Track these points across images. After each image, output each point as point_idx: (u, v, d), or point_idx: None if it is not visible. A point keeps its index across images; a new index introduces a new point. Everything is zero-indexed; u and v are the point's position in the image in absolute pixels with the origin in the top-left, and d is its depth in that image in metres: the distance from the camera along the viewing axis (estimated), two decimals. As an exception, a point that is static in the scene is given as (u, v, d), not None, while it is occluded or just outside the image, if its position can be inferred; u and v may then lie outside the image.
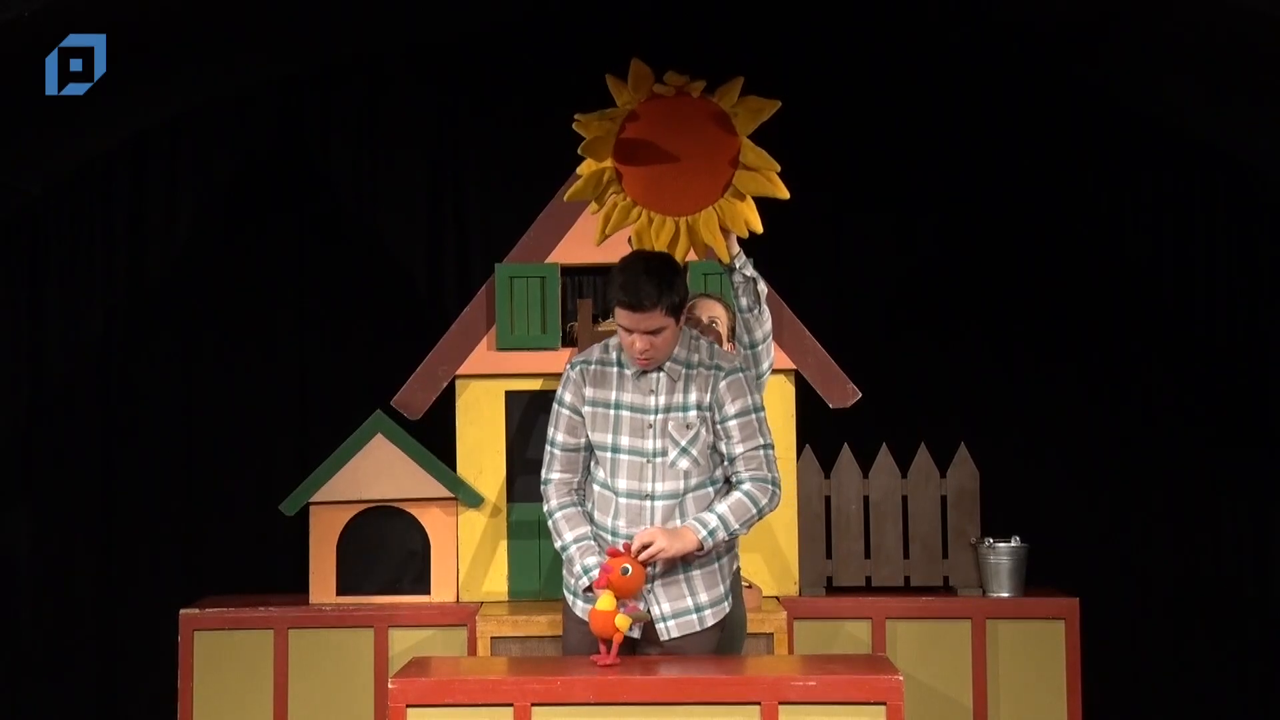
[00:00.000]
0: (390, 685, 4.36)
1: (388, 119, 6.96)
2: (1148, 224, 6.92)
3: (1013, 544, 5.99)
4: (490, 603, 5.92)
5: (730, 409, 4.77)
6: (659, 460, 4.75)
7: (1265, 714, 6.74)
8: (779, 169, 4.85)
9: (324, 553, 6.00)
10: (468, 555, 6.00)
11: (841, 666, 4.55)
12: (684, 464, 4.76)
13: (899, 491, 6.13)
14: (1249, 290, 6.86)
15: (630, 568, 4.54)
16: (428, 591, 6.00)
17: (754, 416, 4.79)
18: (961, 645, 5.90)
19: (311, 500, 5.98)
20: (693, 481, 4.77)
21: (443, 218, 6.95)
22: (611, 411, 4.78)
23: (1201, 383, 6.86)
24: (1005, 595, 5.98)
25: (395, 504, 6.00)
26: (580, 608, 4.81)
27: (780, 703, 4.28)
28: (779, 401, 5.97)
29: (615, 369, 4.80)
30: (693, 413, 4.75)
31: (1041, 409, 6.86)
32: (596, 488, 4.83)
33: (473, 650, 5.72)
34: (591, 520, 4.84)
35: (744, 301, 5.05)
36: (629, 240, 4.94)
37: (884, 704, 4.28)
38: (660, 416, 4.75)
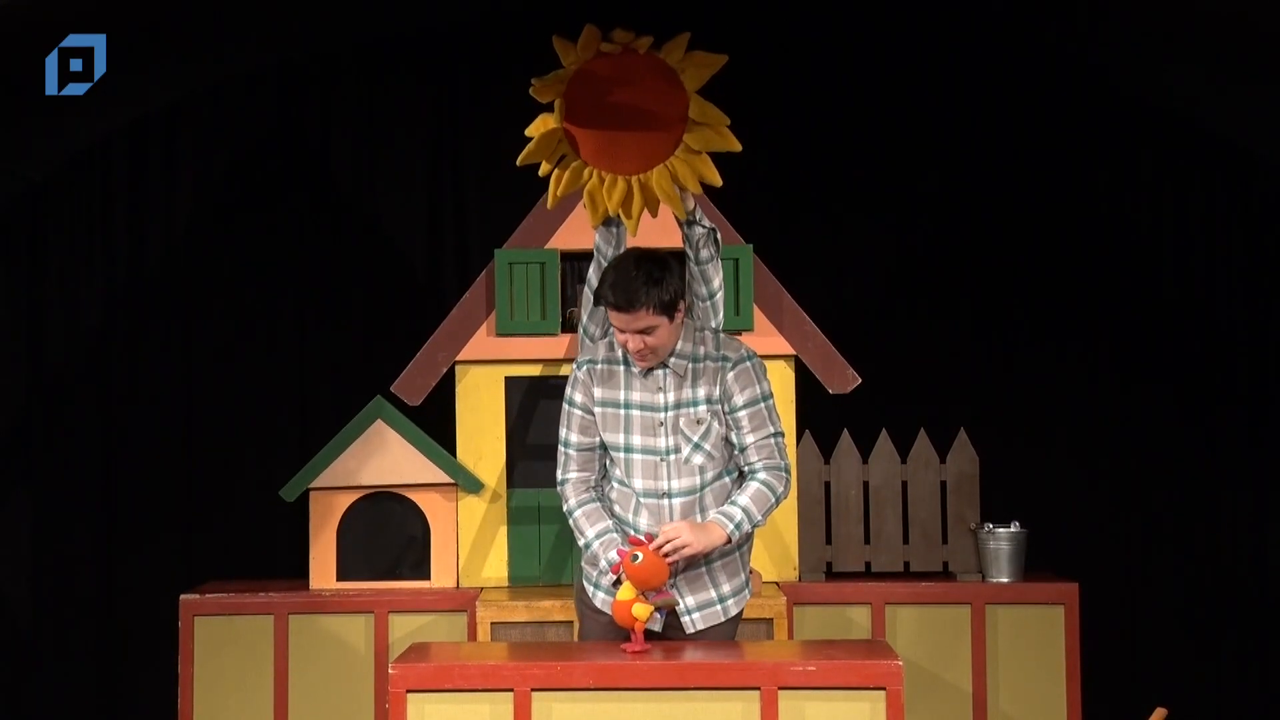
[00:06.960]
0: (390, 670, 4.37)
1: (387, 105, 6.94)
2: (1148, 210, 6.90)
3: (1012, 529, 5.99)
4: (490, 588, 5.93)
5: (739, 399, 4.75)
6: (673, 458, 4.73)
7: (1263, 699, 6.74)
8: (729, 122, 4.75)
9: (324, 538, 6.00)
10: (468, 541, 6.00)
11: (841, 652, 4.56)
12: (698, 460, 4.73)
13: (899, 477, 6.14)
14: (1250, 275, 6.85)
15: (640, 555, 4.53)
16: (428, 577, 6.00)
17: (763, 405, 4.79)
18: (961, 630, 5.91)
19: (311, 486, 5.99)
20: (709, 476, 4.75)
21: (442, 203, 6.94)
22: (621, 411, 4.75)
23: (1202, 368, 6.86)
24: (1005, 580, 5.98)
25: (395, 489, 6.01)
26: (600, 599, 4.81)
27: (780, 688, 4.29)
28: (779, 387, 5.95)
29: (622, 367, 4.76)
30: (702, 407, 4.73)
31: (1041, 394, 6.85)
32: (616, 485, 4.80)
33: (473, 636, 5.73)
34: (613, 515, 4.82)
35: (704, 253, 5.01)
36: (583, 204, 4.88)
37: (883, 689, 4.29)
38: (671, 414, 4.73)
